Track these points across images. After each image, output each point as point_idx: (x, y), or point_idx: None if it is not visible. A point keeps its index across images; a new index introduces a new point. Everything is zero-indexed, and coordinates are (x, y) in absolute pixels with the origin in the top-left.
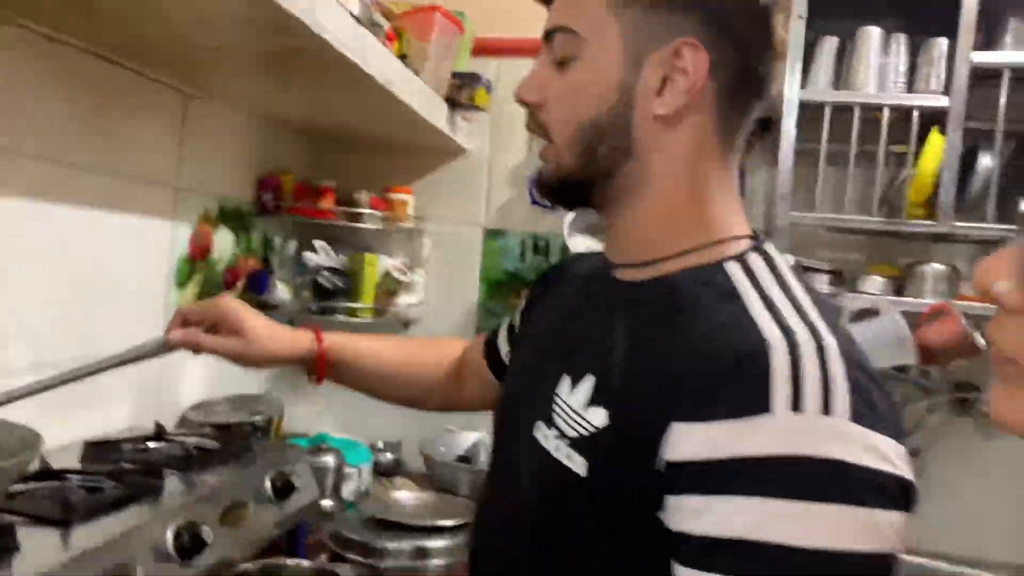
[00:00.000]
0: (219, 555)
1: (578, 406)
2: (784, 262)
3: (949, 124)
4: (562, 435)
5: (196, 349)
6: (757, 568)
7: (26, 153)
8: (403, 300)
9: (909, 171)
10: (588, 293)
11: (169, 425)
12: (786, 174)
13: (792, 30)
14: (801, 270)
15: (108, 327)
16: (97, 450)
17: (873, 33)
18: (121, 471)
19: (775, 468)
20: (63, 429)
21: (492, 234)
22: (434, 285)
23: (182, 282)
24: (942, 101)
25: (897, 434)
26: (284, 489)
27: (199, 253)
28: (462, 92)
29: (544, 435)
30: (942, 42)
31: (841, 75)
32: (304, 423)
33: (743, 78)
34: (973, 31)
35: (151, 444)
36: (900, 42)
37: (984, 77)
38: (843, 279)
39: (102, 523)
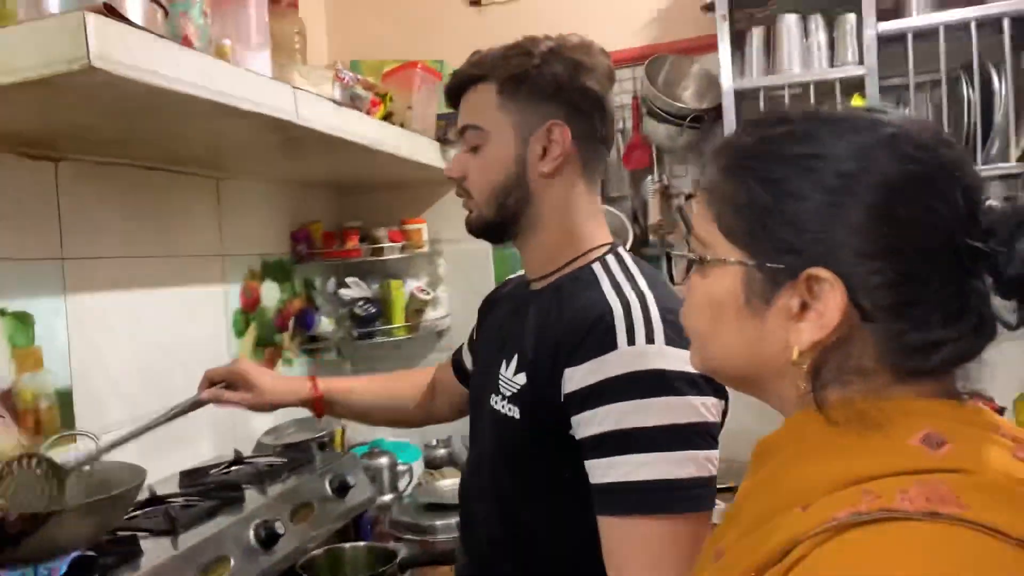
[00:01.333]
0: (293, 544)
1: (510, 375)
2: (628, 257)
3: (866, 90)
4: (504, 396)
5: (221, 403)
6: (624, 446)
7: (103, 255)
8: (431, 315)
9: None
10: (514, 305)
11: (247, 451)
12: None
13: (718, 28)
14: (642, 260)
15: (184, 380)
16: (190, 477)
17: (791, 19)
18: (209, 491)
19: (623, 382)
20: (164, 464)
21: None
22: (457, 297)
23: (240, 332)
24: (859, 71)
25: None
26: (341, 488)
27: (250, 305)
28: (449, 130)
29: (494, 400)
30: (851, 17)
31: (770, 60)
32: (365, 433)
33: (593, 138)
34: (874, 5)
35: (233, 468)
36: (818, 22)
37: (893, 40)
38: None
39: (199, 529)
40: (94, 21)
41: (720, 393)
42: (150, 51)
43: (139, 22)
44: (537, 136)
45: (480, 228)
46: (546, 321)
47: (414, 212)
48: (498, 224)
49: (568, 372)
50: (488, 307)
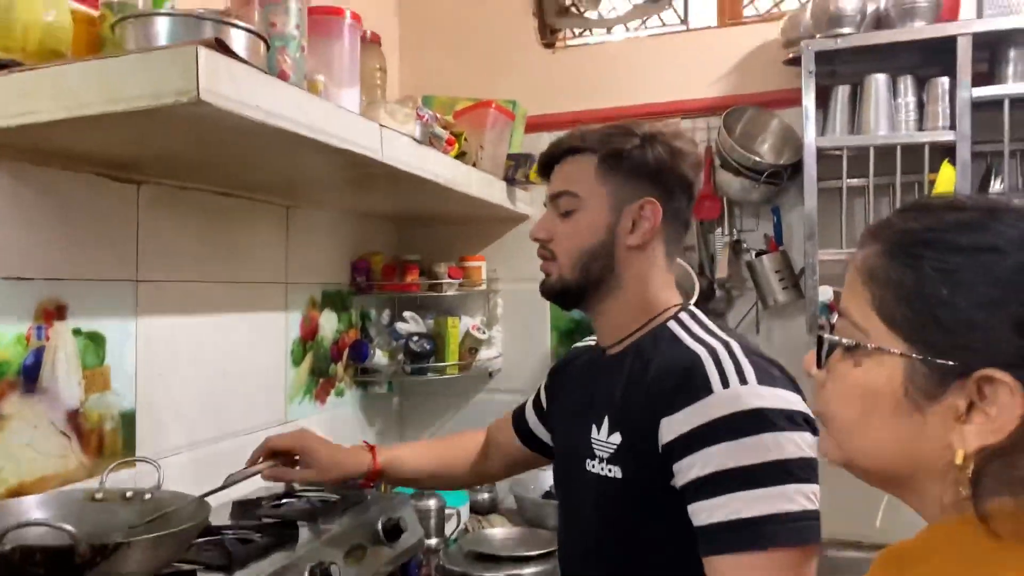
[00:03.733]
0: None
1: (604, 437)
2: (699, 312)
3: (957, 156)
4: (601, 459)
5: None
6: (730, 485)
7: (173, 278)
8: (484, 355)
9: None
10: (591, 373)
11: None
12: (811, 217)
13: (803, 82)
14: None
15: (242, 406)
16: (242, 508)
17: (880, 80)
18: (264, 525)
19: (722, 424)
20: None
21: None
22: (510, 339)
23: (297, 361)
24: (948, 136)
25: (794, 388)
26: (394, 531)
27: (308, 335)
28: (518, 171)
29: (591, 465)
30: (944, 80)
31: (855, 119)
32: None
33: (679, 219)
34: (970, 69)
35: (284, 500)
36: (907, 83)
37: (987, 105)
38: None
39: (256, 566)
40: (205, 55)
41: (814, 430)
42: (253, 85)
43: (243, 55)
44: (629, 210)
45: (558, 291)
46: (632, 379)
47: (473, 249)
48: (578, 289)
49: (665, 422)
50: (560, 377)
